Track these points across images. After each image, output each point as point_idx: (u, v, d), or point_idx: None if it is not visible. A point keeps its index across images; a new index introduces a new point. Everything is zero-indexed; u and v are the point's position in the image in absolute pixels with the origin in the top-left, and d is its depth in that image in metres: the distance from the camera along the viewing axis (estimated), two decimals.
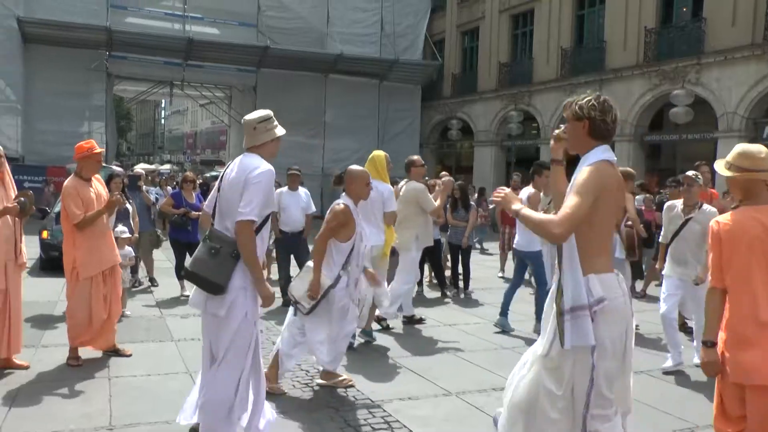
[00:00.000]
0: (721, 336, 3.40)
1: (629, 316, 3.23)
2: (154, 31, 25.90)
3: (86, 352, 6.29)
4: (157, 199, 11.30)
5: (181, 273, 9.65)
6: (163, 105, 78.16)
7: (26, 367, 5.92)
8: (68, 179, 6.16)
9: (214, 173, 32.18)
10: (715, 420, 3.51)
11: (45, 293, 9.37)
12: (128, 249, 8.33)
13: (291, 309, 5.58)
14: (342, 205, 5.41)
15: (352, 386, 5.64)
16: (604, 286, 3.14)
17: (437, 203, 8.03)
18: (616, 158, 3.28)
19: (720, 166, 3.52)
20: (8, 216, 5.66)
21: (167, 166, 44.30)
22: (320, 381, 5.73)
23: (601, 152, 3.20)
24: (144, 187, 10.91)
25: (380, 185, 6.90)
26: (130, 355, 6.38)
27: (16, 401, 5.10)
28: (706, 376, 3.55)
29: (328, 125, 28.03)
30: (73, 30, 23.76)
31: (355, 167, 5.71)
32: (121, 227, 8.30)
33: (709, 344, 3.39)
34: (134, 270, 10.00)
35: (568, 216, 3.00)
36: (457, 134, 28.43)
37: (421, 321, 8.39)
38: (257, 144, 4.21)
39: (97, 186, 6.19)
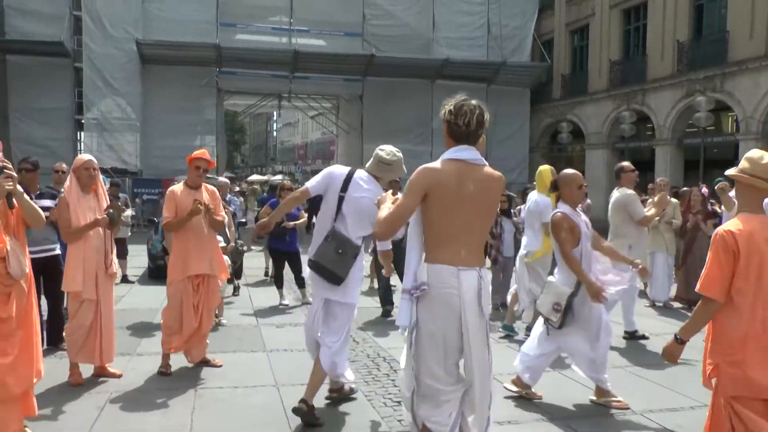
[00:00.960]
0: (719, 350, 3.29)
1: (457, 309, 3.36)
2: (261, 45, 26.57)
3: (178, 362, 6.20)
4: (234, 212, 11.29)
5: (280, 282, 9.70)
6: (274, 118, 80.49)
7: (119, 376, 5.89)
8: (174, 185, 6.19)
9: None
10: None
11: (147, 301, 9.49)
12: (224, 258, 8.29)
13: (542, 328, 5.43)
14: (560, 214, 5.30)
15: (627, 408, 5.23)
16: (431, 274, 3.39)
17: (650, 212, 7.37)
18: (472, 156, 3.45)
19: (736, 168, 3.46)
20: (99, 227, 5.69)
21: (279, 177, 45.27)
22: (592, 398, 5.43)
23: (451, 152, 3.48)
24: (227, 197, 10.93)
25: (540, 197, 7.28)
26: (220, 366, 6.24)
27: (104, 410, 5.04)
28: (667, 360, 3.56)
29: (436, 131, 27.40)
30: (186, 49, 24.75)
31: (567, 171, 5.55)
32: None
33: (680, 341, 3.44)
34: (230, 279, 9.95)
35: (386, 216, 3.42)
36: (567, 137, 27.30)
37: (644, 337, 7.70)
38: (381, 177, 4.92)
39: (204, 195, 6.12)
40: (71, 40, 25.55)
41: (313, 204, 15.72)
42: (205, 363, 6.27)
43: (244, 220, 21.14)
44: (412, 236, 3.54)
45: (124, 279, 11.42)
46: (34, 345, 4.52)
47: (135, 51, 24.96)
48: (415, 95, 27.60)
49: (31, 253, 6.51)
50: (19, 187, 4.33)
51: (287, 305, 9.46)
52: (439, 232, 3.44)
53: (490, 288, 3.65)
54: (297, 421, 4.80)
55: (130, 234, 11.35)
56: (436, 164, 3.46)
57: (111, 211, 5.70)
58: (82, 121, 25.95)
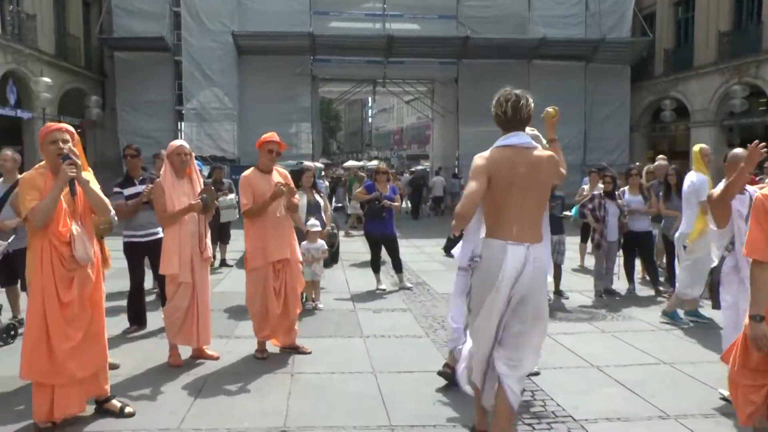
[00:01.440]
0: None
1: (496, 280, 3.66)
2: (355, 32, 26.59)
3: (273, 347, 6.17)
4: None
5: (377, 266, 9.58)
6: (369, 104, 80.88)
7: (216, 358, 5.91)
8: (247, 170, 6.11)
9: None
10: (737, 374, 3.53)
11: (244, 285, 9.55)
12: (320, 242, 8.23)
13: None
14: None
15: None
16: (484, 248, 3.80)
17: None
18: (519, 141, 3.78)
19: None
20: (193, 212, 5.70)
21: (374, 162, 45.50)
22: (723, 392, 4.86)
23: (500, 140, 3.84)
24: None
25: (696, 176, 7.00)
26: (309, 353, 6.12)
27: (201, 392, 5.04)
28: (758, 351, 3.35)
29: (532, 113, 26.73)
30: (280, 39, 25.12)
31: (737, 151, 5.44)
32: (313, 221, 8.22)
33: (758, 318, 3.34)
34: (327, 263, 9.90)
35: (462, 202, 3.67)
36: (670, 115, 25.78)
37: None
38: None
39: (276, 179, 6.02)
40: (171, 35, 26.40)
41: (417, 189, 15.48)
42: (294, 349, 6.17)
43: (340, 205, 21.35)
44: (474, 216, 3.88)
45: (223, 263, 11.62)
46: (103, 329, 4.56)
47: (231, 43, 25.53)
48: (510, 76, 26.54)
49: (137, 236, 6.77)
50: (87, 175, 4.39)
51: (384, 290, 9.31)
52: (494, 211, 3.78)
53: (546, 263, 3.90)
54: (395, 410, 4.66)
55: (238, 217, 11.48)
56: (488, 152, 3.81)
57: (205, 195, 5.69)
58: (182, 112, 26.80)
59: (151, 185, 6.33)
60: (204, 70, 25.89)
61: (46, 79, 20.87)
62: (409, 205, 25.66)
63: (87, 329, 4.37)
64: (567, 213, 9.96)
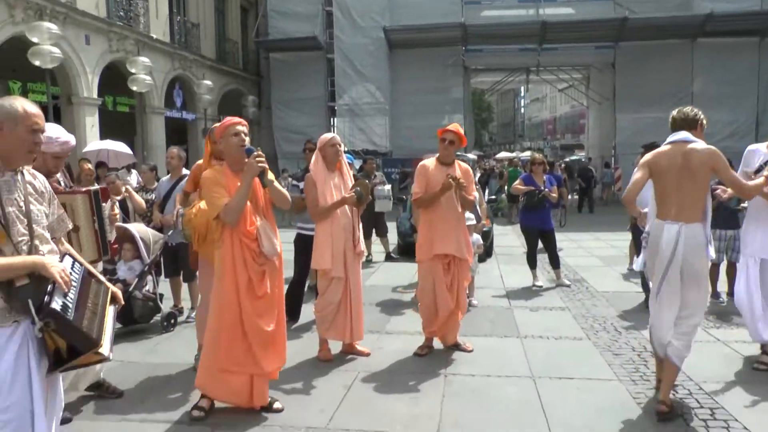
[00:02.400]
0: None
1: (663, 251, 4.35)
2: (507, 20, 25.86)
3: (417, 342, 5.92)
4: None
5: (534, 262, 9.09)
6: (522, 94, 79.24)
7: (367, 354, 5.76)
8: (426, 159, 5.96)
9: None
10: None
11: (396, 278, 9.45)
12: (475, 236, 7.90)
13: None
14: None
15: None
16: (652, 227, 4.54)
17: None
18: (680, 138, 4.44)
19: None
20: (346, 206, 5.57)
21: (527, 153, 44.40)
22: None
23: (668, 138, 4.54)
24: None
25: None
26: (471, 351, 5.83)
27: (351, 390, 4.88)
28: None
29: (696, 96, 24.61)
30: (432, 31, 24.89)
31: None
32: (467, 214, 7.90)
33: None
34: (482, 257, 9.54)
35: (628, 188, 4.56)
36: None
37: None
38: None
39: (456, 172, 5.76)
40: (324, 33, 27.06)
41: (586, 181, 14.66)
42: (456, 346, 5.90)
43: (494, 197, 20.81)
44: (649, 200, 4.66)
45: (388, 257, 11.55)
46: (284, 322, 4.58)
47: (382, 38, 25.72)
48: (672, 58, 24.91)
49: (306, 229, 6.78)
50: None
51: (541, 287, 8.81)
52: (659, 196, 4.50)
53: (696, 240, 4.30)
54: (556, 421, 4.23)
55: (391, 209, 11.43)
56: (658, 150, 4.54)
57: (358, 189, 5.53)
58: (335, 108, 27.41)
59: None
60: (356, 66, 26.32)
61: (208, 82, 22.12)
62: (574, 197, 24.20)
63: (277, 322, 4.42)
64: (743, 205, 8.91)
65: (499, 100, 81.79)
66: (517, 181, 9.67)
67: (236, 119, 4.37)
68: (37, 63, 13.00)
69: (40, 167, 4.38)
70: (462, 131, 5.85)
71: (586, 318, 7.06)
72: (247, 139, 4.30)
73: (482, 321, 7.00)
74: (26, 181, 2.90)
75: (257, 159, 4.09)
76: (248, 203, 4.21)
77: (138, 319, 6.75)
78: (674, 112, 4.63)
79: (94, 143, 14.43)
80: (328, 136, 5.73)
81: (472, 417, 4.33)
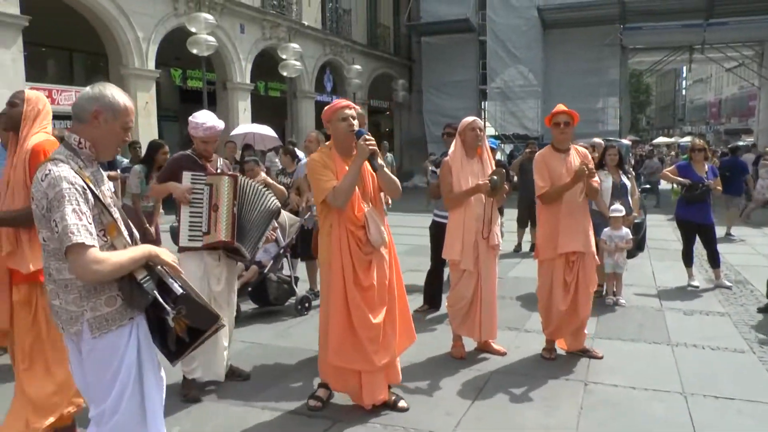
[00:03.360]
0: None
1: None
2: None
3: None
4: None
5: (690, 259, 8.30)
6: (683, 75, 74.32)
7: (503, 354, 5.45)
8: (541, 150, 5.47)
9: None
10: None
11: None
12: (625, 230, 7.35)
13: None
14: None
15: None
16: None
17: None
18: None
19: None
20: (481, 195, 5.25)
21: (687, 139, 41.53)
22: None
23: None
24: None
25: None
26: (601, 358, 5.33)
27: (482, 393, 4.61)
28: None
29: None
30: (588, 9, 24.06)
31: None
32: (617, 205, 7.35)
33: None
34: (631, 253, 8.82)
35: None
36: None
37: None
38: None
39: (574, 159, 5.31)
40: (476, 15, 26.72)
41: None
42: (583, 353, 5.42)
43: (648, 186, 19.54)
44: None
45: (533, 248, 11.05)
46: (404, 313, 4.36)
47: (536, 18, 25.12)
48: None
49: (442, 216, 6.56)
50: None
51: (697, 287, 8.01)
52: None
53: None
54: None
55: None
56: None
57: (494, 177, 5.17)
58: (486, 91, 26.96)
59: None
60: (508, 47, 25.81)
61: (357, 67, 22.51)
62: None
63: (387, 314, 4.21)
64: None
65: (659, 81, 77.17)
66: (671, 168, 8.89)
67: (345, 102, 4.23)
68: (194, 51, 13.72)
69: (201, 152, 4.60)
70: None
71: (749, 326, 6.30)
72: (356, 122, 4.13)
73: (629, 323, 6.46)
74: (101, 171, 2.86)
75: (367, 142, 3.94)
76: (356, 188, 4.03)
77: (273, 302, 6.86)
78: None
79: (241, 127, 15.04)
80: (469, 119, 5.40)
81: None
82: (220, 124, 4.69)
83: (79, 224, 2.42)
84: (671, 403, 4.41)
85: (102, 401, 2.62)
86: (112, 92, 2.68)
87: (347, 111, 4.12)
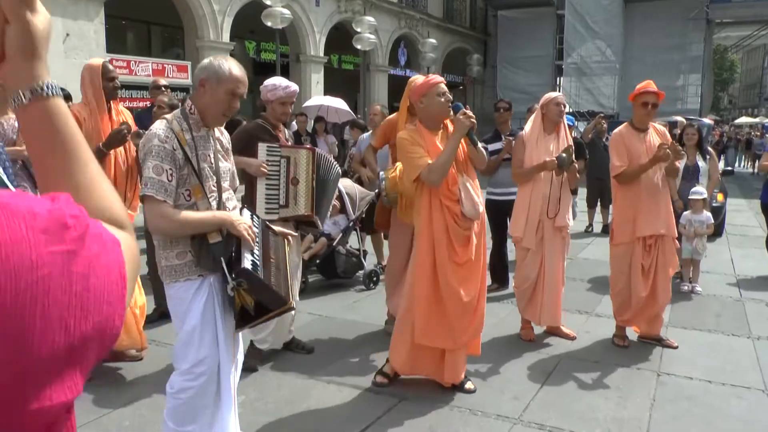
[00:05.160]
0: None
1: None
2: None
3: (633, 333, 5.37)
4: None
5: None
6: None
7: (572, 338, 5.33)
8: (618, 127, 5.27)
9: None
10: None
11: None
12: (705, 214, 7.06)
13: None
14: None
15: None
16: None
17: None
18: None
19: None
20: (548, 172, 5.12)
21: None
22: None
23: None
24: None
25: None
26: (676, 347, 5.14)
27: (550, 378, 4.53)
28: None
29: None
30: None
31: None
32: (697, 188, 7.06)
33: None
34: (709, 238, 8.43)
35: None
36: None
37: None
38: None
39: (653, 138, 5.10)
40: None
41: None
42: (659, 341, 5.24)
43: (730, 168, 18.74)
44: None
45: (605, 229, 10.77)
46: (485, 290, 4.28)
47: None
48: None
49: (495, 194, 6.50)
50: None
51: None
52: None
53: None
54: None
55: None
56: None
57: (563, 155, 5.01)
58: (562, 67, 26.32)
59: (511, 138, 6.01)
60: (587, 21, 25.09)
61: (432, 41, 22.24)
62: None
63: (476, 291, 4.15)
64: None
65: (746, 57, 73.52)
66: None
67: (438, 77, 4.16)
68: (268, 24, 13.80)
69: (270, 116, 4.62)
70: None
71: None
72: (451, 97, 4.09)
73: (706, 313, 6.21)
74: (215, 137, 2.93)
75: (465, 116, 3.89)
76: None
77: (341, 275, 6.90)
78: None
79: (314, 99, 15.10)
80: (553, 94, 5.32)
81: (686, 430, 3.78)
82: (295, 85, 4.75)
83: (155, 178, 2.65)
84: (751, 400, 4.21)
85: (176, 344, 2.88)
86: (220, 62, 2.84)
87: (443, 86, 4.08)
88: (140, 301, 4.62)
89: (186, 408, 2.86)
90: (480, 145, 4.18)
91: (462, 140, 4.01)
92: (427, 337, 4.08)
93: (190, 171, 2.74)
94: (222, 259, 2.69)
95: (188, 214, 2.70)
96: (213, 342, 2.82)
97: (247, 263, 2.65)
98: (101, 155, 4.27)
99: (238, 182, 3.25)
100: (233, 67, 2.83)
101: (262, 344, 4.63)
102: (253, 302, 2.72)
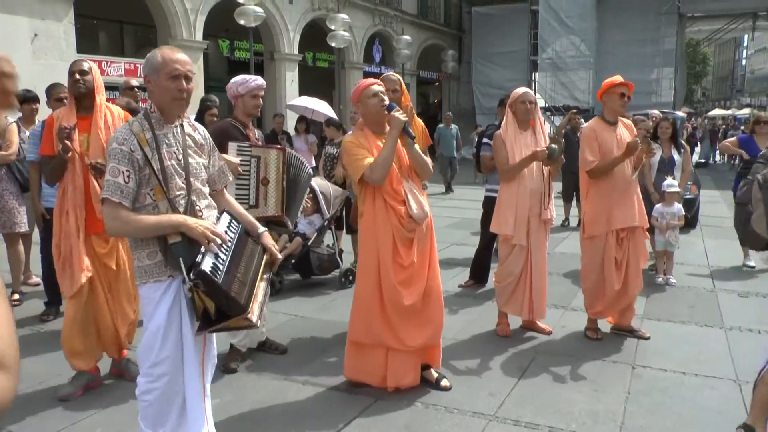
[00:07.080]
0: None
1: None
2: None
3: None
4: None
5: None
6: (744, 44, 71.63)
7: (548, 333, 5.36)
8: (589, 121, 5.28)
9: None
10: None
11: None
12: (677, 206, 7.12)
13: None
14: None
15: None
16: None
17: None
18: None
19: None
20: (543, 167, 5.16)
21: (746, 111, 40.10)
22: None
23: None
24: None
25: None
26: (648, 338, 5.20)
27: (526, 373, 4.53)
28: None
29: None
30: None
31: None
32: (669, 181, 7.12)
33: None
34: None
35: None
36: None
37: None
38: None
39: (621, 131, 5.13)
40: None
41: None
42: (631, 332, 5.30)
43: (703, 160, 19.03)
44: None
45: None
46: (438, 290, 4.22)
47: None
48: None
49: (493, 191, 6.47)
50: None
51: (753, 267, 7.72)
52: None
53: None
54: None
55: None
56: None
57: (553, 145, 5.00)
58: (537, 62, 26.47)
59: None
60: (561, 17, 25.23)
61: (407, 37, 22.23)
62: None
63: (424, 295, 4.10)
64: None
65: (718, 51, 74.57)
66: (731, 140, 8.54)
67: (371, 80, 4.14)
68: (242, 22, 13.70)
69: (241, 113, 4.55)
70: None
71: None
72: (386, 97, 4.05)
73: (680, 304, 6.27)
74: (186, 133, 2.91)
75: (398, 113, 3.91)
76: (393, 164, 3.95)
77: (315, 271, 6.87)
78: None
79: (300, 99, 15.01)
80: (519, 91, 5.26)
81: (659, 424, 3.78)
82: (262, 79, 4.71)
83: (111, 180, 2.66)
84: (724, 391, 4.25)
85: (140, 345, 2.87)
86: (153, 53, 2.81)
87: (375, 87, 4.05)
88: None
89: (153, 410, 2.84)
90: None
91: (405, 150, 4.03)
92: (368, 336, 4.07)
93: (151, 171, 2.72)
94: (181, 259, 2.66)
95: (143, 218, 2.69)
96: (177, 343, 2.79)
97: (205, 266, 2.61)
98: (60, 159, 4.05)
99: (230, 177, 3.23)
100: (165, 52, 2.79)
101: (241, 346, 4.62)
102: (214, 306, 2.69)
